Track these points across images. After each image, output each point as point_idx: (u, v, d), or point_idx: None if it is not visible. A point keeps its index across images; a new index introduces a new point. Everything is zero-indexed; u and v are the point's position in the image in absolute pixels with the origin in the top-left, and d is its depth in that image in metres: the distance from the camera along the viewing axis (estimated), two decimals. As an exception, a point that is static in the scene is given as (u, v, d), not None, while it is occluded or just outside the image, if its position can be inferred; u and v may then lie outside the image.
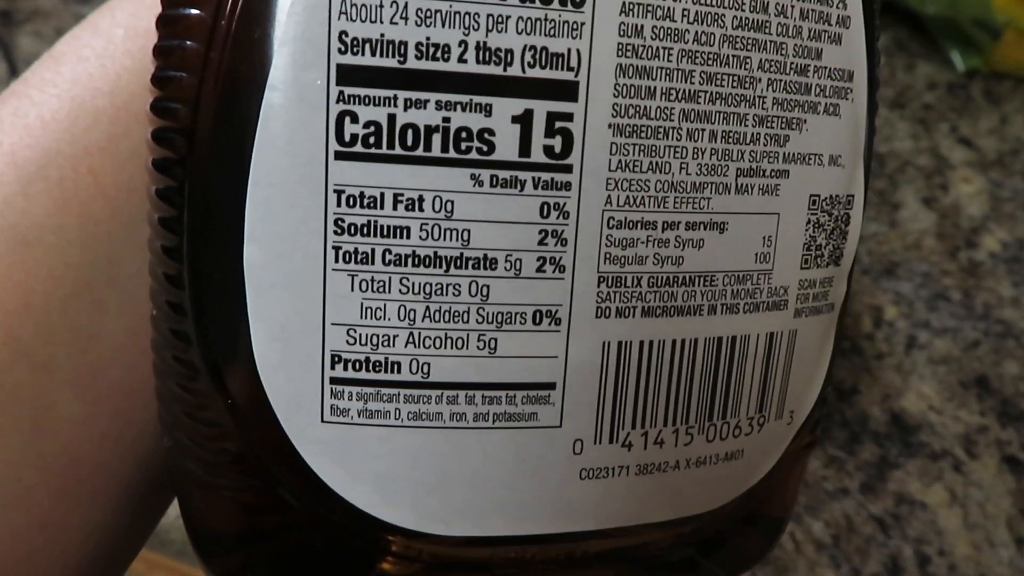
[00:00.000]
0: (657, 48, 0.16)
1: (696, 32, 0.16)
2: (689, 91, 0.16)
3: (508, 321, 0.16)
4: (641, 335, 0.17)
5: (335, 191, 0.16)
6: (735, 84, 0.16)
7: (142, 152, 0.19)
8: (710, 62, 0.16)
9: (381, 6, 0.15)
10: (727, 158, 0.17)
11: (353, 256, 0.16)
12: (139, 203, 0.19)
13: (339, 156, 0.15)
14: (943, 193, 0.48)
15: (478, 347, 0.16)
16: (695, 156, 0.17)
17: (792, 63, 0.17)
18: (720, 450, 0.19)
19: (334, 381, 0.16)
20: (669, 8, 0.16)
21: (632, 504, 0.18)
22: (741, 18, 0.16)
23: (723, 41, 0.16)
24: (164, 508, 0.23)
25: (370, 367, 0.16)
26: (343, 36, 0.15)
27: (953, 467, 0.39)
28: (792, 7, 0.17)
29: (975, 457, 0.39)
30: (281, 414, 0.17)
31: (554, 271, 0.16)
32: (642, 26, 0.16)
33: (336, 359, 0.16)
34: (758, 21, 0.16)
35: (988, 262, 0.45)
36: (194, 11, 0.16)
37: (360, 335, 0.16)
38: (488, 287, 0.16)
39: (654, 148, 0.16)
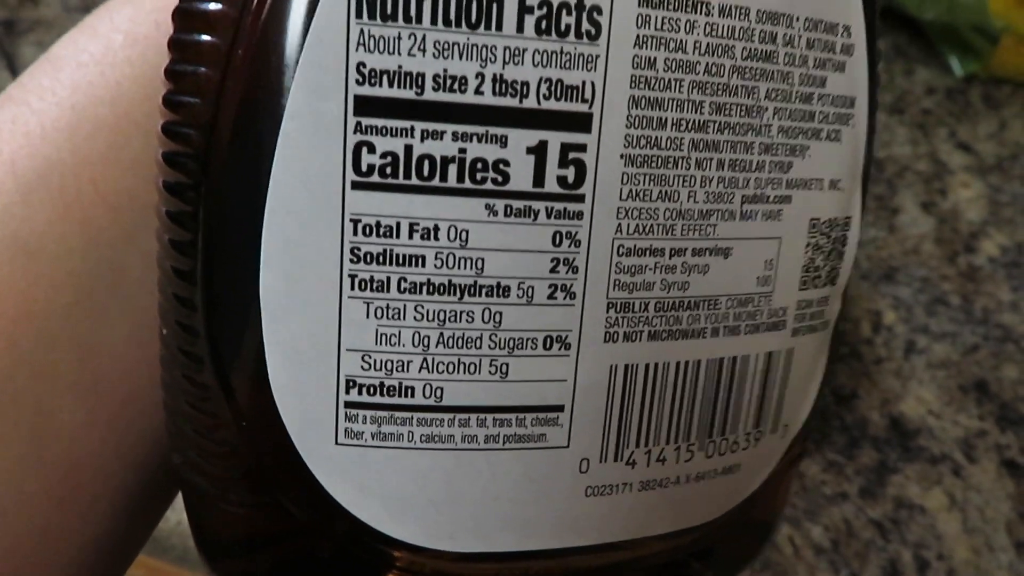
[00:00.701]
0: (669, 80, 0.16)
1: (707, 63, 0.16)
2: (699, 121, 0.16)
3: (519, 346, 0.17)
4: (647, 358, 0.17)
5: (351, 220, 0.16)
6: (743, 113, 0.17)
7: (144, 161, 0.19)
8: (719, 93, 0.16)
9: (399, 38, 0.15)
10: (733, 185, 0.17)
11: (369, 284, 0.16)
12: (141, 211, 0.19)
13: (356, 186, 0.16)
14: (942, 198, 0.48)
15: (490, 372, 0.17)
16: (703, 184, 0.17)
17: (798, 91, 0.17)
18: (718, 464, 0.19)
19: (349, 405, 0.17)
20: (682, 40, 0.16)
21: (635, 518, 0.19)
22: (750, 49, 0.16)
23: (732, 72, 0.16)
24: (161, 513, 0.23)
25: (384, 392, 0.17)
26: (361, 67, 0.15)
27: (952, 471, 0.39)
28: (799, 37, 0.17)
29: (974, 461, 0.39)
30: (294, 435, 0.17)
31: (565, 298, 0.17)
32: (655, 58, 0.16)
33: (351, 384, 0.17)
34: (766, 52, 0.17)
35: (987, 267, 0.45)
36: (208, 38, 0.16)
37: (375, 360, 0.16)
38: (501, 314, 0.16)
39: (664, 177, 0.16)
